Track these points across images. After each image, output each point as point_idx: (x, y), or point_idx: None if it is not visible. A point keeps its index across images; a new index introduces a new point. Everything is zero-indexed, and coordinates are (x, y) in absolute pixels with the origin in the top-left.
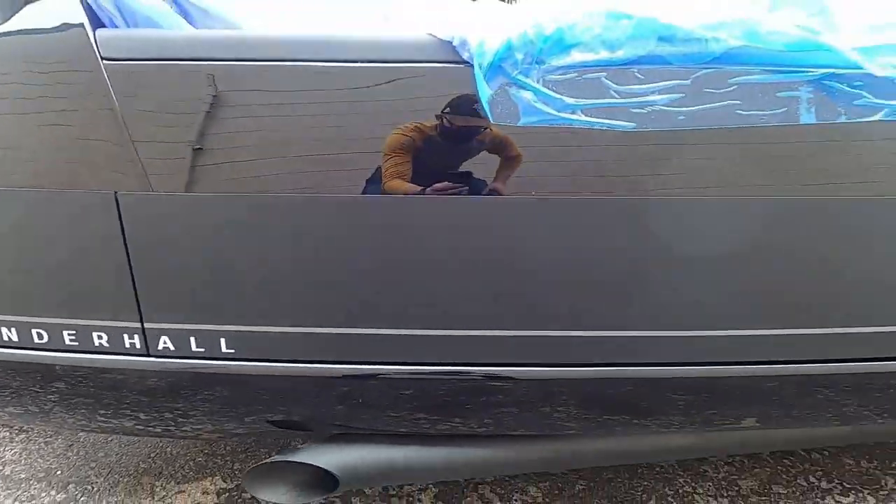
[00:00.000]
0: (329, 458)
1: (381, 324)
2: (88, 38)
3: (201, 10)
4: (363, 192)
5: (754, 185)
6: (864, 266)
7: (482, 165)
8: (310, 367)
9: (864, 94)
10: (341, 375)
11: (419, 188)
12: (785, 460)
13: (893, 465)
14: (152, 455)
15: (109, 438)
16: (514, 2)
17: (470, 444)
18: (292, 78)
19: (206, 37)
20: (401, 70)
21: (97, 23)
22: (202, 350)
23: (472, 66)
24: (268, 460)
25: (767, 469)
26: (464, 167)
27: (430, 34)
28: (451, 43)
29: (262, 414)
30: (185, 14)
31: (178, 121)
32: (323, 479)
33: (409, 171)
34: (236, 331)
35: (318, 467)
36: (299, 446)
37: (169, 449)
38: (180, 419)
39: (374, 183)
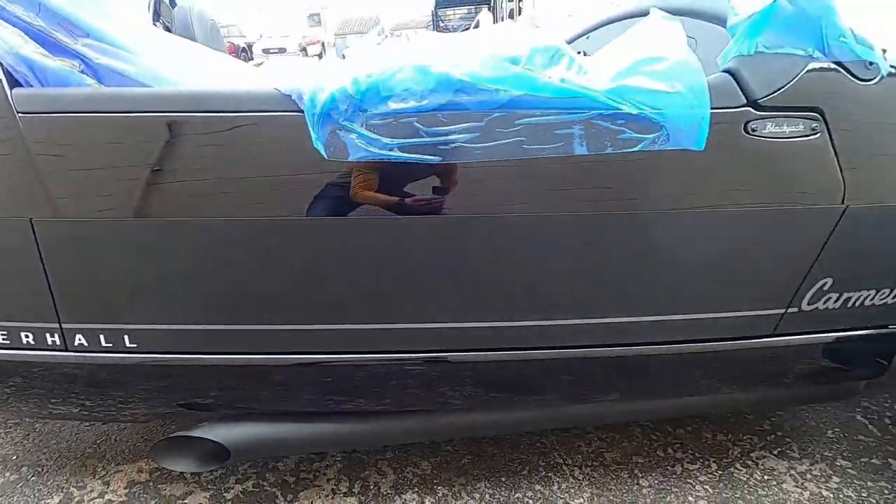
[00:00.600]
0: (221, 433)
1: (253, 321)
2: (6, 94)
3: (114, 71)
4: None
5: (542, 203)
6: (657, 267)
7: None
8: (197, 357)
9: (627, 129)
10: (222, 364)
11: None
12: (651, 436)
13: (744, 437)
14: (98, 442)
15: (62, 428)
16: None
17: (337, 420)
18: (168, 126)
19: (99, 93)
20: (254, 118)
21: (13, 82)
22: (110, 345)
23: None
24: (170, 436)
25: (634, 443)
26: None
27: (276, 89)
28: (290, 96)
29: (168, 397)
30: (95, 73)
31: (80, 162)
32: (218, 452)
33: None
34: (136, 329)
35: (213, 441)
36: (198, 424)
37: (114, 436)
38: (103, 404)
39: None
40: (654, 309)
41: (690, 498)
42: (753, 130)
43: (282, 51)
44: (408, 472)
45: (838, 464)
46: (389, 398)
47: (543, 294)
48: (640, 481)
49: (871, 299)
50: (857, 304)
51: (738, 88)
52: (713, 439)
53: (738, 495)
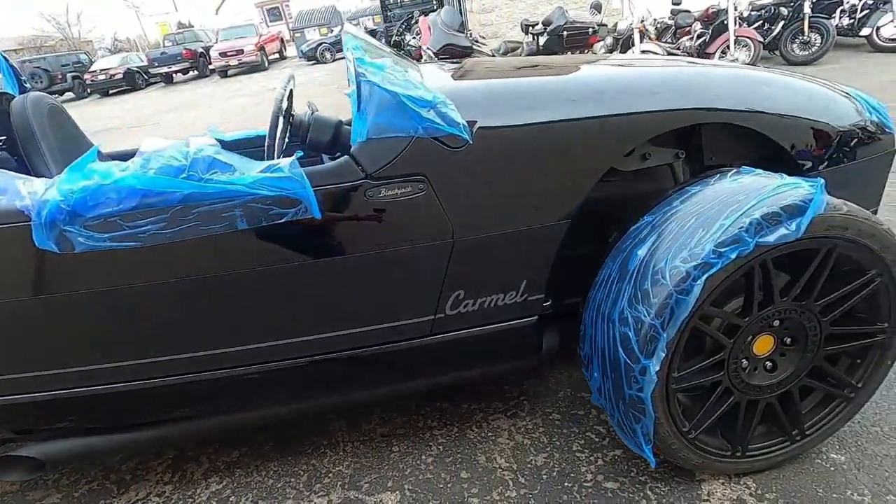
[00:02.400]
0: (38, 450)
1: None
2: None
3: None
4: None
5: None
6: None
7: None
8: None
9: (275, 207)
10: (27, 402)
11: None
12: (421, 411)
13: (491, 404)
14: None
15: None
16: None
17: (129, 430)
18: None
19: None
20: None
21: None
22: None
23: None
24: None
25: (404, 418)
26: None
27: (12, 204)
28: (23, 211)
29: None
30: None
31: None
32: (38, 464)
33: None
34: None
35: (30, 457)
36: (20, 445)
37: None
38: None
39: None
40: (352, 324)
41: (424, 456)
42: (371, 196)
43: (239, 52)
44: (219, 462)
45: (551, 417)
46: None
47: (252, 323)
48: (393, 448)
49: (503, 300)
50: (493, 305)
51: (357, 167)
52: (467, 408)
53: (460, 451)
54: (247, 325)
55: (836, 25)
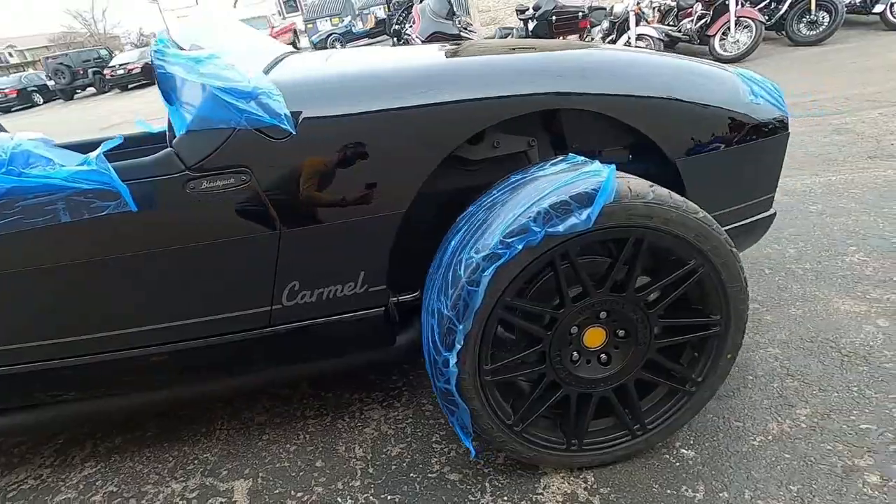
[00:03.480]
0: None
1: None
2: None
3: None
4: None
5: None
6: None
7: None
8: None
9: (96, 200)
10: None
11: None
12: (304, 400)
13: (372, 394)
14: None
15: None
16: None
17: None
18: None
19: None
20: None
21: None
22: None
23: None
24: None
25: (286, 408)
26: None
27: None
28: None
29: None
30: None
31: None
32: None
33: None
34: None
35: None
36: None
37: None
38: None
39: None
40: (185, 315)
41: (289, 444)
42: (193, 189)
43: None
44: (101, 447)
45: (424, 409)
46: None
47: (90, 314)
48: (263, 436)
49: (342, 291)
50: (332, 296)
51: (178, 160)
52: (348, 398)
53: (325, 440)
54: (86, 316)
55: (848, 3)
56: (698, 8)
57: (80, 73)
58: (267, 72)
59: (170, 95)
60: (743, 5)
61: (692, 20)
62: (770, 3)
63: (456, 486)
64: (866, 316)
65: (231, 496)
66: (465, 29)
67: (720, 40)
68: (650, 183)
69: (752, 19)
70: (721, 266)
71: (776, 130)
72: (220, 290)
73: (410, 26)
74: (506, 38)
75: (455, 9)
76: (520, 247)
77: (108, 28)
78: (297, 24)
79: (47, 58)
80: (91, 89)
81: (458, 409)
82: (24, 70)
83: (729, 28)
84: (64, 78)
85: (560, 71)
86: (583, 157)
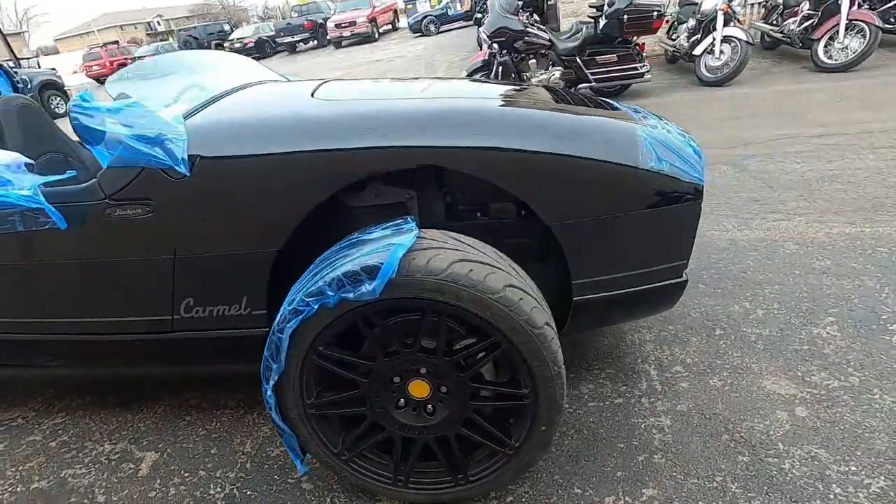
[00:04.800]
0: None
1: None
2: None
3: None
4: None
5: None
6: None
7: None
8: None
9: (40, 216)
10: None
11: None
12: (204, 402)
13: None
14: None
15: None
16: None
17: None
18: None
19: None
20: None
21: None
22: None
23: None
24: None
25: (219, 394)
26: None
27: None
28: None
29: None
30: None
31: None
32: None
33: None
34: None
35: None
36: None
37: None
38: None
39: None
40: (105, 313)
41: (201, 429)
42: (110, 214)
43: (352, 24)
44: (75, 403)
45: None
46: None
47: (35, 303)
48: (186, 418)
49: (229, 311)
50: (221, 313)
51: (100, 189)
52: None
53: (229, 431)
54: (33, 304)
55: None
56: (805, 7)
57: (204, 45)
58: (195, 112)
59: (87, 140)
60: (860, 6)
61: (797, 20)
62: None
63: (304, 494)
64: (788, 402)
65: (139, 465)
66: (532, 25)
67: (825, 46)
68: (457, 259)
69: (868, 23)
70: (521, 344)
71: (679, 199)
72: (131, 297)
73: (485, 18)
74: (578, 34)
75: (526, 5)
76: (316, 307)
77: (237, 1)
78: (399, 3)
79: (181, 29)
80: None
81: (284, 433)
82: (167, 38)
83: (837, 32)
84: (192, 48)
85: (426, 124)
86: (412, 223)
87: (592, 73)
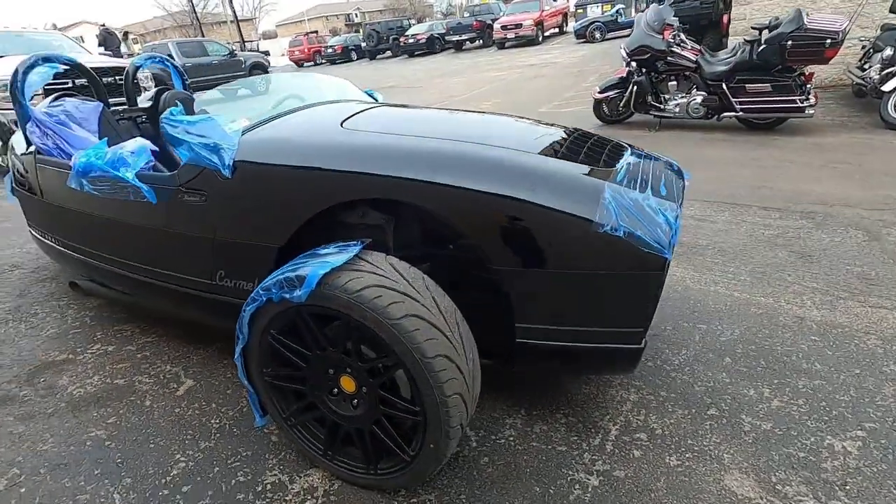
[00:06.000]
0: (87, 286)
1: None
2: None
3: None
4: None
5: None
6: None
7: None
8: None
9: (140, 192)
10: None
11: None
12: None
13: None
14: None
15: None
16: None
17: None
18: None
19: None
20: None
21: None
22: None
23: None
24: (71, 281)
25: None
26: None
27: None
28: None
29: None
30: None
31: None
32: (84, 290)
33: None
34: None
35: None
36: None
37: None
38: None
39: None
40: (172, 268)
41: (226, 386)
42: (181, 198)
43: (517, 26)
44: (152, 329)
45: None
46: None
47: (131, 250)
48: (222, 362)
49: (246, 286)
50: (242, 287)
51: (178, 179)
52: None
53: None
54: (130, 251)
55: None
56: (888, 53)
57: (384, 39)
58: (254, 127)
59: (171, 143)
60: None
61: (875, 66)
62: None
63: (271, 438)
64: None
65: (179, 387)
66: (678, 45)
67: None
68: (372, 284)
69: None
70: (411, 369)
71: (634, 267)
72: (187, 260)
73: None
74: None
75: (672, 22)
76: (264, 299)
77: None
78: (571, 6)
79: (367, 23)
80: (388, 53)
81: (249, 391)
82: (357, 31)
83: None
84: (373, 41)
85: (399, 159)
86: (357, 246)
87: (739, 102)
